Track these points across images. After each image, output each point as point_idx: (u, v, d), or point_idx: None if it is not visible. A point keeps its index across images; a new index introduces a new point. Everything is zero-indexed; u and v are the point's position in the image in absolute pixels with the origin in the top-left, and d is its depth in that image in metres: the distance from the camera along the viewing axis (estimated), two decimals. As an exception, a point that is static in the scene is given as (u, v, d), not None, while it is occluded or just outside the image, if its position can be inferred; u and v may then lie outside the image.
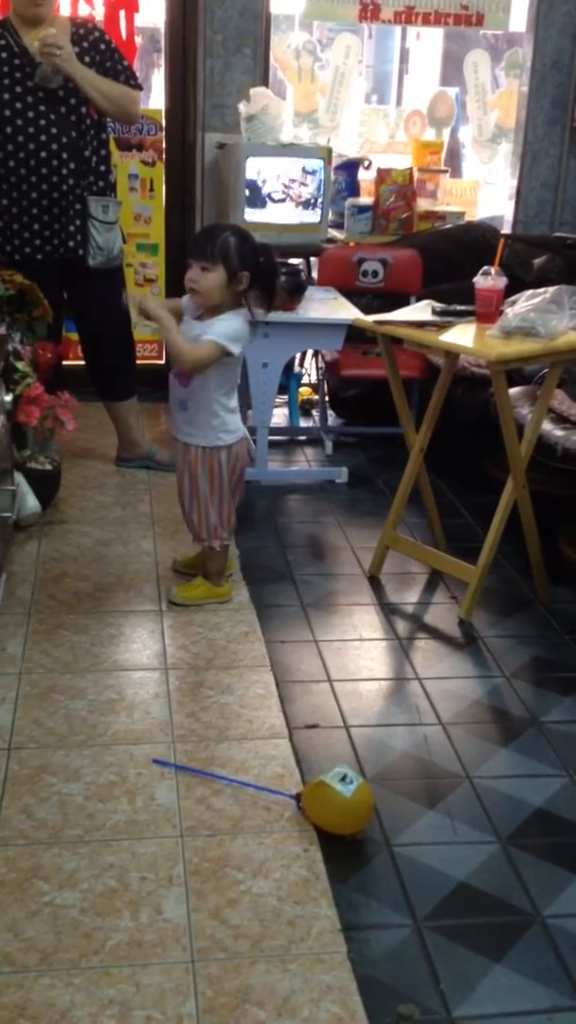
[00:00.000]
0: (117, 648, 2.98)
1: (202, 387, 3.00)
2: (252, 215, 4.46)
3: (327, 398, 4.93)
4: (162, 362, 5.19)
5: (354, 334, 4.11)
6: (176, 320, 3.00)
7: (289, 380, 4.85)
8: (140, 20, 4.82)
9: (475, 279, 3.21)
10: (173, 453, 4.17)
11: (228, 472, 3.08)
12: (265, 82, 4.84)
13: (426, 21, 4.99)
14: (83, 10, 4.61)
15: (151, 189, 4.99)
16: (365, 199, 5.11)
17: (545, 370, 3.44)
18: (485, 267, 3.23)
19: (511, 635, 3.20)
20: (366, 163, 5.26)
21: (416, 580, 3.54)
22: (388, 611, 3.31)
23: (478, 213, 6.21)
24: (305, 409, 5.12)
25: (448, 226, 5.08)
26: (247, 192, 4.46)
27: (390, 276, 4.74)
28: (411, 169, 5.14)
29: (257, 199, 4.48)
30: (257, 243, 2.96)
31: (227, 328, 2.93)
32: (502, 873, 2.21)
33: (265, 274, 2.95)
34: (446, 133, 7.20)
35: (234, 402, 3.08)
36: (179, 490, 3.17)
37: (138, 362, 4.29)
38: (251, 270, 2.91)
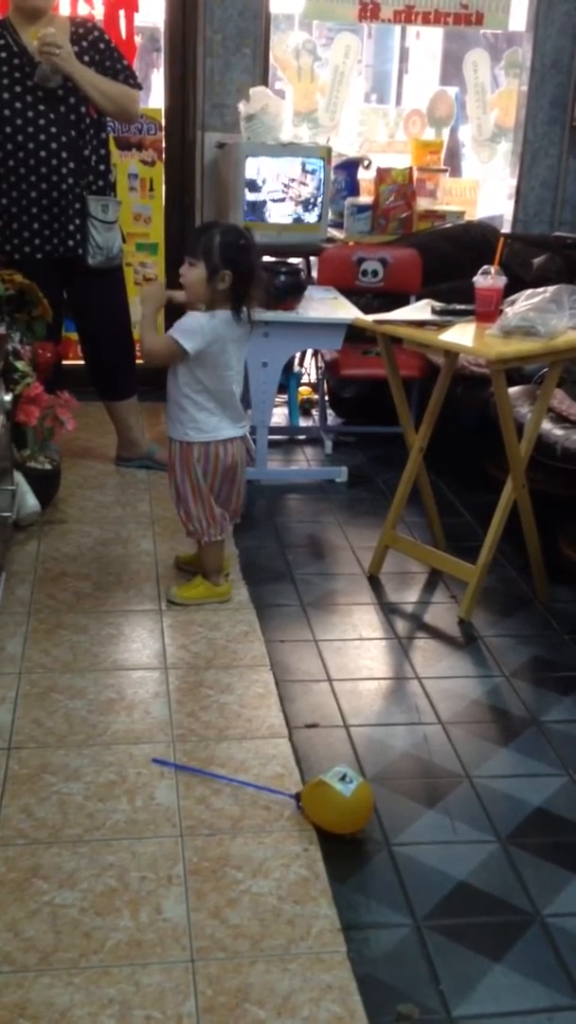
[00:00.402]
0: (117, 648, 2.98)
1: (171, 379, 3.04)
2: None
3: (327, 397, 4.94)
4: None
5: (354, 334, 4.11)
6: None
7: (289, 380, 4.85)
8: (140, 19, 4.82)
9: (475, 278, 3.21)
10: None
11: (203, 471, 3.07)
12: (265, 81, 4.84)
13: (426, 20, 4.99)
14: (83, 9, 4.61)
15: (151, 188, 4.99)
16: (365, 198, 5.11)
17: (545, 369, 3.44)
18: (485, 266, 3.23)
19: (511, 635, 3.20)
20: (366, 162, 5.26)
21: (416, 579, 3.54)
22: (388, 610, 3.31)
23: (478, 212, 6.21)
24: (305, 409, 5.12)
25: (448, 225, 5.08)
26: (246, 191, 4.46)
27: (390, 275, 4.74)
28: (411, 168, 5.13)
29: (256, 199, 4.49)
30: (246, 245, 2.93)
31: (183, 322, 2.94)
32: (502, 873, 2.21)
33: (241, 277, 2.92)
34: (446, 132, 7.19)
35: (212, 404, 3.03)
36: (168, 482, 3.20)
37: (138, 362, 4.29)
38: (233, 269, 2.91)
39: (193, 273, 2.92)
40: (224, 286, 2.92)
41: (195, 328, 2.93)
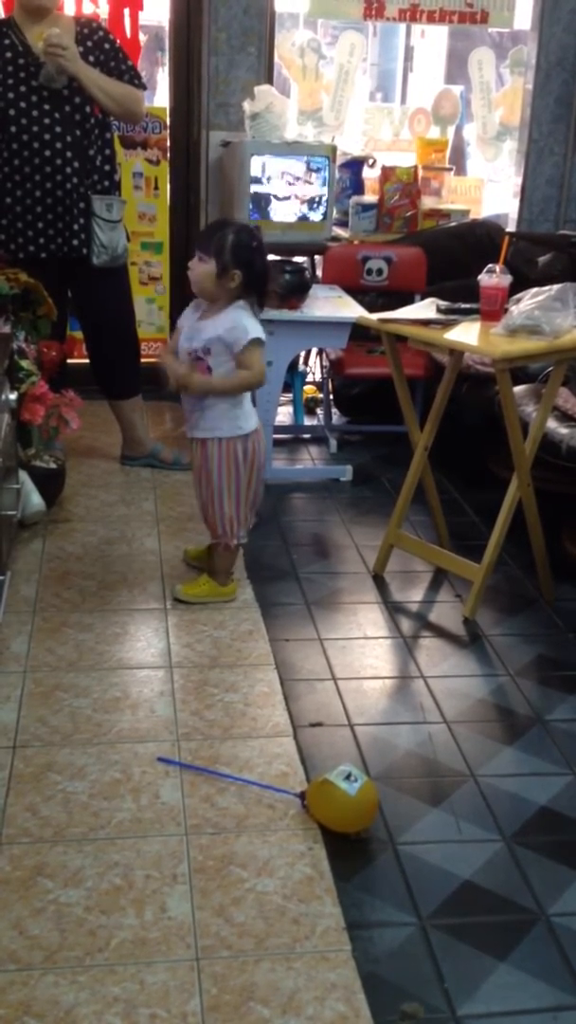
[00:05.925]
0: (122, 646, 2.98)
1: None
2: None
3: (331, 396, 4.93)
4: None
5: (358, 332, 4.10)
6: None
7: (293, 378, 4.85)
8: (144, 18, 4.82)
9: (479, 277, 3.21)
10: (177, 451, 4.20)
11: (243, 469, 3.07)
12: (269, 80, 4.83)
13: (431, 19, 4.99)
14: (87, 8, 4.61)
15: (155, 187, 4.99)
16: (369, 197, 5.11)
17: (550, 368, 3.44)
18: (489, 265, 3.23)
19: (515, 633, 3.19)
20: (370, 161, 5.26)
21: (420, 578, 3.54)
22: (392, 609, 3.31)
23: (483, 211, 6.20)
24: (309, 407, 5.11)
25: (452, 224, 5.07)
26: (251, 190, 4.46)
27: (394, 274, 4.73)
28: (415, 167, 5.13)
29: (261, 198, 4.48)
30: (257, 246, 2.95)
31: (251, 322, 2.95)
32: (506, 871, 2.21)
33: (254, 278, 2.95)
34: (450, 131, 7.19)
35: (245, 398, 3.07)
36: (196, 490, 3.17)
37: (142, 360, 4.29)
38: (243, 270, 2.91)
39: (202, 268, 2.93)
40: (233, 285, 2.93)
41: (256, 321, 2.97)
